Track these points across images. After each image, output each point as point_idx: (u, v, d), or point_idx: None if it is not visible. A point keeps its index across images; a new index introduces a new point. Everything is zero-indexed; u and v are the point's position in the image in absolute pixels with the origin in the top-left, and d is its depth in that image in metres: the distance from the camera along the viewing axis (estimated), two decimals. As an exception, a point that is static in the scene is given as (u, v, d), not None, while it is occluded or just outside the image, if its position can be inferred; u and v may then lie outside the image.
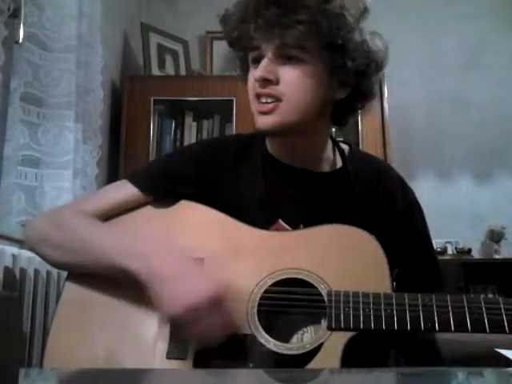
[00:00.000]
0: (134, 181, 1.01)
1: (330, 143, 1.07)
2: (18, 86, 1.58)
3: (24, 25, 1.49)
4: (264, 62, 0.93)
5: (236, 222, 0.95)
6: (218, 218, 0.96)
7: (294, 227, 0.97)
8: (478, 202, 3.14)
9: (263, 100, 0.94)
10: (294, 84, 0.93)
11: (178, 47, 3.00)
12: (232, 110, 2.61)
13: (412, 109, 3.12)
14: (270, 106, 0.93)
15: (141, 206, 1.00)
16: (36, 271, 1.44)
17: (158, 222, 0.99)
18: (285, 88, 0.93)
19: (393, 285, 0.87)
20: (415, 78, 3.17)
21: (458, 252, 3.01)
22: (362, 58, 0.94)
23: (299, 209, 1.00)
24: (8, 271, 1.32)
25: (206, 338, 0.81)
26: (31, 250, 1.01)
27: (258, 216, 0.97)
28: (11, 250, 1.36)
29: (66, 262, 0.94)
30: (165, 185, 1.01)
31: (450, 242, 3.00)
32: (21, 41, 1.48)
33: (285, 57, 0.93)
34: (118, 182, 1.05)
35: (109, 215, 0.99)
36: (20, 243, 1.45)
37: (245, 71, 1.01)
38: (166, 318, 0.83)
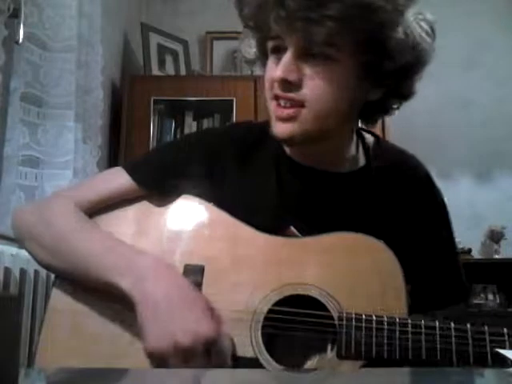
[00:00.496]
0: (132, 172, 0.92)
1: (354, 139, 0.94)
2: (18, 86, 1.57)
3: (24, 25, 1.49)
4: (286, 57, 0.79)
5: (241, 223, 0.86)
6: (222, 218, 0.87)
7: (307, 233, 0.87)
8: (478, 202, 3.14)
9: (282, 103, 0.81)
10: (319, 88, 0.79)
11: (178, 47, 3.00)
12: (232, 110, 2.61)
13: (412, 109, 3.11)
14: (290, 112, 0.80)
15: (136, 200, 0.92)
16: (36, 271, 1.44)
17: (155, 218, 0.91)
18: (308, 92, 0.79)
19: (408, 302, 0.80)
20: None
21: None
22: (404, 56, 0.81)
23: (314, 213, 0.90)
24: (8, 271, 1.32)
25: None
26: (19, 243, 0.94)
27: (268, 220, 0.88)
28: (11, 250, 1.36)
29: (54, 265, 0.87)
30: (165, 179, 0.92)
31: (450, 243, 3.00)
32: (21, 41, 1.48)
33: (310, 53, 0.79)
34: (112, 170, 0.96)
35: (100, 206, 0.91)
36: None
37: (262, 53, 0.88)
38: (147, 350, 0.74)
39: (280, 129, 0.82)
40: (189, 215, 0.90)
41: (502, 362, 0.71)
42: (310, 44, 0.78)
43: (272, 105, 0.83)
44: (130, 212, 0.92)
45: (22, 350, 1.34)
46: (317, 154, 0.91)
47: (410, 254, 0.84)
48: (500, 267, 3.06)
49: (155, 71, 2.82)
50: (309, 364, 0.81)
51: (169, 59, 2.93)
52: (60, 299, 0.87)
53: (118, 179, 0.92)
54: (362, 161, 0.95)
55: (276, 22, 0.77)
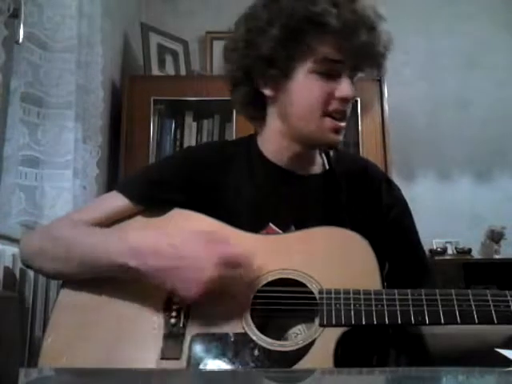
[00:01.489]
0: (124, 191, 1.01)
1: None
2: (18, 86, 1.57)
3: (24, 25, 1.48)
4: (347, 79, 0.96)
5: (228, 227, 0.95)
6: (211, 225, 0.96)
7: (285, 230, 0.98)
8: (478, 202, 3.14)
9: (338, 116, 0.98)
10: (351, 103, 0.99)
11: (178, 47, 3.00)
12: (232, 110, 2.60)
13: (412, 109, 3.12)
14: (344, 124, 0.99)
15: (132, 216, 1.00)
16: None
17: (151, 231, 0.97)
18: (349, 107, 1.00)
19: (383, 283, 0.88)
20: (415, 78, 3.17)
21: (457, 252, 3.01)
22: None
23: (290, 211, 1.01)
24: (8, 271, 1.32)
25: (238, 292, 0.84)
26: (27, 265, 1.01)
27: (249, 220, 0.98)
28: (11, 249, 1.36)
29: (67, 272, 0.94)
30: (155, 193, 1.01)
31: (450, 242, 3.01)
32: (21, 41, 1.48)
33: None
34: (108, 194, 1.05)
35: (100, 227, 0.98)
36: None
37: (283, 70, 0.98)
38: (190, 302, 0.85)
39: (335, 138, 0.99)
40: (182, 225, 0.98)
41: (470, 319, 0.80)
42: (368, 68, 1.00)
43: (327, 120, 0.97)
44: (128, 227, 0.99)
45: (22, 350, 1.34)
46: (301, 158, 1.05)
47: (378, 244, 0.93)
48: (500, 267, 3.06)
49: (155, 71, 2.82)
50: (295, 335, 0.87)
51: (169, 59, 2.93)
52: (68, 298, 0.92)
53: (114, 200, 1.01)
54: (326, 165, 1.09)
55: (351, 49, 0.94)
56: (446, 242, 3.00)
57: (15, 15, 1.45)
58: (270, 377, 0.73)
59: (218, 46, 3.13)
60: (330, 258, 0.90)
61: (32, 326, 1.41)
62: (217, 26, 3.09)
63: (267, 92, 1.02)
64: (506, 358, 0.71)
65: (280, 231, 0.98)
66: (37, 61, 1.71)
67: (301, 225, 0.97)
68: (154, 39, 2.89)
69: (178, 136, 2.72)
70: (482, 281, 3.07)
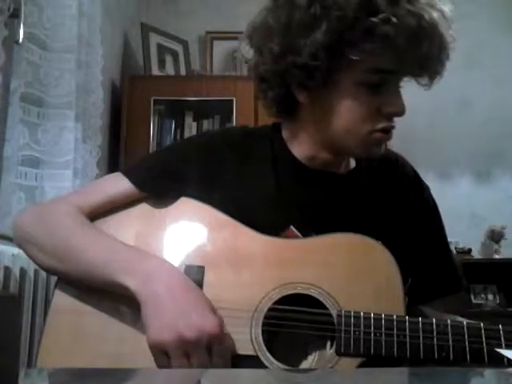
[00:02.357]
0: (130, 176, 0.93)
1: None
2: (18, 86, 1.58)
3: (24, 25, 1.49)
4: (398, 92, 0.87)
5: (240, 225, 0.87)
6: (221, 220, 0.88)
7: (306, 233, 0.89)
8: (478, 202, 3.14)
9: (387, 131, 0.87)
10: None
11: (178, 47, 3.01)
12: (232, 109, 2.61)
13: (412, 109, 3.11)
14: (390, 136, 0.89)
15: (136, 203, 0.92)
16: (36, 271, 1.44)
17: (155, 220, 0.91)
18: None
19: (405, 300, 0.82)
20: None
21: (457, 252, 3.01)
22: None
23: (313, 214, 0.92)
24: (8, 271, 1.32)
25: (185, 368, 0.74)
26: (19, 247, 0.94)
27: (268, 220, 0.89)
28: (11, 249, 1.36)
29: (53, 267, 0.88)
30: (163, 182, 0.93)
31: (449, 242, 3.00)
32: (21, 41, 1.48)
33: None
34: (111, 176, 0.97)
35: (101, 211, 0.91)
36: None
37: (321, 81, 0.85)
38: (149, 343, 0.75)
39: (378, 152, 0.90)
40: (189, 217, 0.91)
41: (499, 360, 0.73)
42: (423, 79, 0.88)
43: (375, 135, 0.87)
44: (131, 215, 0.92)
45: (22, 350, 1.34)
46: (332, 163, 0.95)
47: (405, 249, 0.87)
48: (500, 267, 3.06)
49: (155, 71, 2.82)
50: (308, 361, 0.81)
51: (169, 59, 2.94)
52: (62, 300, 0.87)
53: (117, 183, 0.93)
54: (352, 163, 0.99)
55: (415, 59, 0.82)
56: (446, 242, 3.00)
57: (15, 15, 1.45)
58: (273, 377, 0.72)
59: (218, 46, 3.13)
60: (349, 272, 0.83)
61: (32, 326, 1.41)
62: (217, 26, 3.09)
63: (303, 99, 0.89)
64: (506, 358, 0.71)
65: (300, 235, 0.89)
66: (37, 61, 1.71)
67: (323, 229, 0.88)
68: (154, 39, 2.89)
69: (178, 136, 2.73)
70: (482, 281, 3.07)
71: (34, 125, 1.71)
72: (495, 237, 3.09)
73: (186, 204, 0.91)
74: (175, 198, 0.92)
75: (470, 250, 3.04)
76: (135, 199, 0.92)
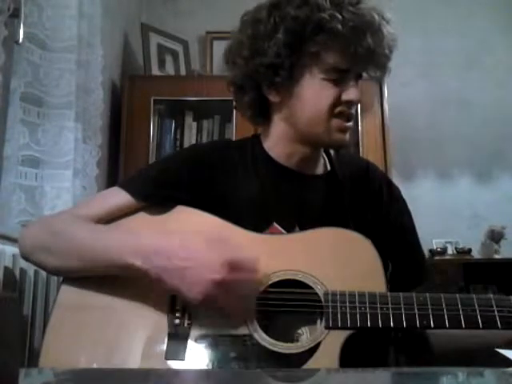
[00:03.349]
0: (127, 188, 1.00)
1: None
2: (18, 86, 1.57)
3: (24, 25, 1.48)
4: (354, 83, 0.99)
5: (232, 225, 0.95)
6: (215, 223, 0.95)
7: (289, 230, 0.98)
8: (478, 202, 3.14)
9: (346, 118, 1.00)
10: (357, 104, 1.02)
11: (178, 47, 3.00)
12: (232, 109, 2.59)
13: (412, 109, 3.12)
14: (351, 124, 1.01)
15: (134, 212, 0.99)
16: (36, 271, 1.44)
17: (154, 228, 0.97)
18: (355, 109, 1.02)
19: (387, 285, 0.89)
20: (415, 78, 3.17)
21: (457, 252, 3.01)
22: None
23: (295, 211, 1.01)
24: (8, 271, 1.32)
25: (236, 309, 0.84)
26: (26, 259, 0.99)
27: (254, 219, 0.97)
28: (11, 249, 1.36)
29: (66, 266, 0.92)
30: (159, 191, 1.00)
31: (450, 242, 3.01)
32: (21, 41, 1.48)
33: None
34: (109, 189, 1.04)
35: (101, 222, 0.98)
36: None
37: (290, 77, 0.99)
38: (196, 303, 0.83)
39: (342, 138, 1.01)
40: (185, 221, 0.98)
41: (474, 323, 0.81)
42: (373, 72, 1.02)
43: (334, 121, 0.99)
44: (130, 223, 0.98)
45: (22, 350, 1.34)
46: (308, 160, 1.06)
47: (380, 242, 0.94)
48: (500, 267, 3.06)
49: (155, 71, 2.82)
50: (301, 337, 0.87)
51: (169, 59, 2.93)
52: (67, 297, 0.91)
53: (116, 196, 1.00)
54: (328, 166, 1.11)
55: (362, 54, 0.95)
56: (446, 242, 3.00)
57: (15, 15, 1.45)
58: (273, 377, 0.72)
59: (218, 46, 3.13)
60: (334, 259, 0.90)
61: (32, 326, 1.41)
62: (217, 26, 3.09)
63: (273, 98, 1.03)
64: (506, 358, 0.71)
65: (284, 231, 0.98)
66: (37, 61, 1.71)
67: (305, 225, 0.97)
68: (154, 39, 2.89)
69: (178, 136, 2.73)
70: (482, 281, 3.07)
71: (34, 125, 1.71)
72: (495, 237, 3.09)
73: (182, 211, 0.99)
74: (170, 206, 0.99)
75: (470, 250, 3.04)
76: (132, 210, 0.99)
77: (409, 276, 1.05)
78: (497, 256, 3.08)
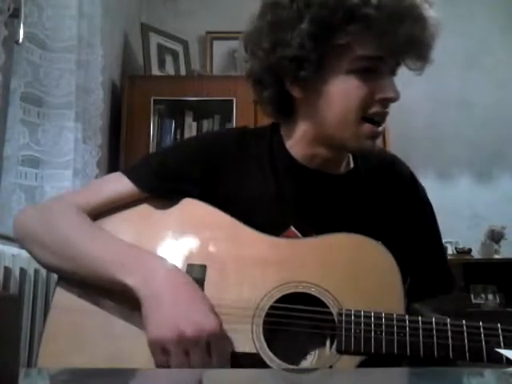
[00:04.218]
0: (132, 176, 0.93)
1: None
2: (18, 86, 1.58)
3: (24, 25, 1.48)
4: (389, 77, 0.88)
5: (242, 225, 0.88)
6: (224, 220, 0.89)
7: (306, 234, 0.90)
8: (478, 202, 3.14)
9: (377, 120, 0.87)
10: None
11: (178, 47, 3.01)
12: (232, 109, 2.61)
13: (412, 109, 3.12)
14: (382, 129, 0.89)
15: (137, 203, 0.92)
16: (36, 271, 1.44)
17: (158, 220, 0.91)
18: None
19: (405, 299, 0.82)
20: (415, 78, 3.16)
21: (458, 252, 3.01)
22: None
23: (313, 214, 0.93)
24: (8, 271, 1.32)
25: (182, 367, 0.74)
26: (20, 244, 0.94)
27: (268, 220, 0.89)
28: (11, 249, 1.36)
29: (54, 265, 0.88)
30: (165, 183, 0.92)
31: (450, 242, 3.01)
32: (21, 41, 1.48)
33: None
34: (112, 175, 0.97)
35: (102, 210, 0.91)
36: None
37: (315, 71, 0.86)
38: (149, 340, 0.75)
39: (371, 146, 0.89)
40: (190, 217, 0.92)
41: (498, 359, 0.73)
42: (412, 64, 0.90)
43: (365, 126, 0.87)
44: (133, 214, 0.92)
45: (22, 350, 1.34)
46: (330, 162, 0.95)
47: (402, 248, 0.88)
48: (500, 267, 3.06)
49: (155, 71, 2.82)
50: (308, 359, 0.82)
51: (169, 59, 2.93)
52: (63, 297, 0.87)
53: (118, 183, 0.93)
54: (351, 163, 1.00)
55: (399, 43, 0.83)
56: (446, 242, 3.00)
57: (15, 15, 1.45)
58: (272, 377, 0.72)
59: (218, 46, 3.13)
60: (350, 272, 0.83)
61: (32, 326, 1.41)
62: (217, 26, 3.09)
63: (296, 93, 0.91)
64: (506, 358, 0.71)
65: (300, 235, 0.90)
66: (37, 61, 1.71)
67: (322, 229, 0.88)
68: (154, 39, 2.89)
69: (178, 136, 2.73)
70: (482, 281, 3.07)
71: (34, 125, 1.71)
72: (495, 237, 3.09)
73: (189, 204, 0.92)
74: (176, 198, 0.92)
75: (470, 250, 3.04)
76: (136, 199, 0.92)
77: (432, 282, 0.98)
78: (497, 256, 3.08)
